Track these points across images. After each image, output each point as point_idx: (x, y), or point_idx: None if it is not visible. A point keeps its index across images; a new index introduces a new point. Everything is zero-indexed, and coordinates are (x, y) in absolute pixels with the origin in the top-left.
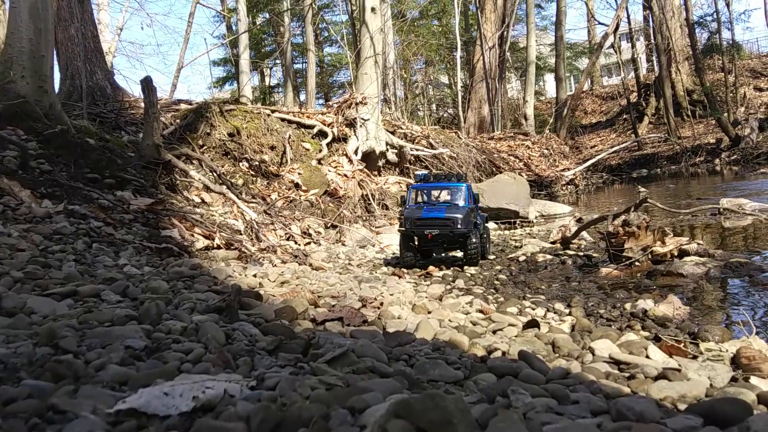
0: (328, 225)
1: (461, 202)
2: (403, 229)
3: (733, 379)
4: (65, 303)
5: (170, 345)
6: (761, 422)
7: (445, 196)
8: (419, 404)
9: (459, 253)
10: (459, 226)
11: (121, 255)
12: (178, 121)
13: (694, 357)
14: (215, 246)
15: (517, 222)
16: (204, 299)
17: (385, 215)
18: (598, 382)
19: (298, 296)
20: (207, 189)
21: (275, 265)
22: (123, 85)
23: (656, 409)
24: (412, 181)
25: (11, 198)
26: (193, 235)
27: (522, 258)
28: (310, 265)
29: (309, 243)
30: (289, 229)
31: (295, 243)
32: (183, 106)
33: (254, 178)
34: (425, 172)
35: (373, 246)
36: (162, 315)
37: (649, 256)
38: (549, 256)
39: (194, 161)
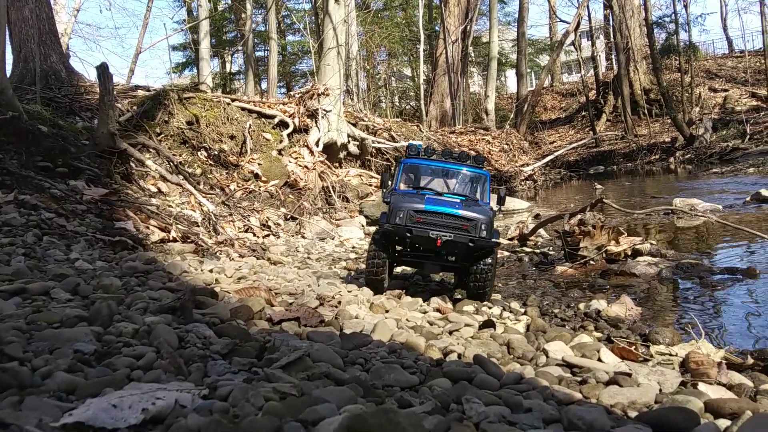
0: (288, 217)
1: (481, 198)
2: (389, 225)
3: (683, 384)
4: (13, 301)
5: (121, 349)
6: (707, 431)
7: (456, 184)
8: (373, 419)
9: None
10: (483, 233)
11: (72, 248)
12: (135, 107)
13: (645, 360)
14: (171, 239)
15: None
16: (158, 298)
17: (345, 208)
18: (550, 387)
19: (255, 294)
20: (164, 179)
21: (232, 259)
22: (79, 69)
23: (606, 417)
24: (374, 174)
25: None
26: (148, 227)
27: None
28: (269, 259)
29: (268, 235)
30: (248, 220)
31: (254, 235)
32: (141, 92)
33: (213, 168)
34: (420, 143)
35: (333, 239)
36: (113, 316)
37: (604, 255)
38: (506, 253)
39: (151, 150)
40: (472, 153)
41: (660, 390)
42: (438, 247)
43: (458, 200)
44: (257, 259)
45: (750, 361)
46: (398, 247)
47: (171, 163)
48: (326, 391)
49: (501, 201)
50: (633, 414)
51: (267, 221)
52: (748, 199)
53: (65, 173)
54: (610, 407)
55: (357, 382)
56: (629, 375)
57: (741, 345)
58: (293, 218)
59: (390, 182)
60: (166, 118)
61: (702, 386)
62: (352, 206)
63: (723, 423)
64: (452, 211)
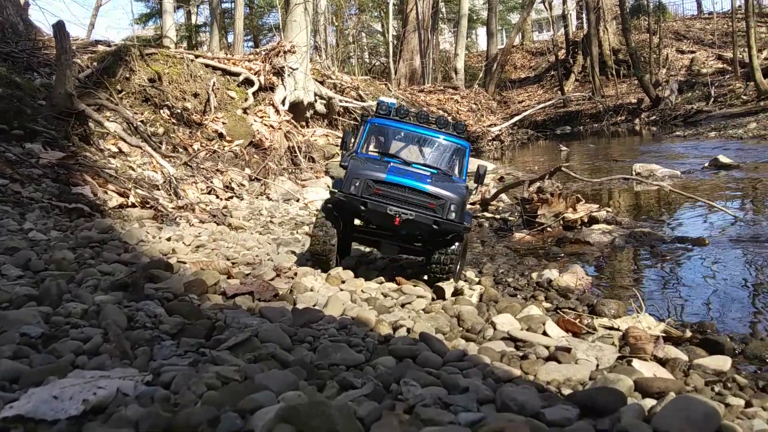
0: (252, 177)
1: (457, 174)
2: (342, 194)
3: (619, 359)
4: None
5: (68, 332)
6: (631, 412)
7: (430, 154)
8: (305, 410)
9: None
10: (452, 215)
11: (27, 217)
12: (95, 63)
13: (589, 332)
14: (130, 204)
15: None
16: (110, 272)
17: (311, 168)
18: (491, 364)
19: (212, 266)
20: (123, 141)
21: (192, 224)
22: (40, 20)
23: (537, 399)
24: (341, 135)
25: None
26: (106, 192)
27: None
28: (229, 225)
29: (231, 197)
30: (211, 182)
31: (217, 197)
32: (101, 47)
33: (176, 127)
34: (393, 101)
35: (298, 201)
36: (63, 295)
37: (561, 222)
38: None
39: (111, 111)
40: (451, 119)
41: (597, 365)
42: (396, 226)
43: (428, 173)
44: (218, 225)
45: (688, 334)
46: (356, 221)
47: (131, 126)
48: (269, 375)
49: (479, 179)
50: (567, 391)
51: (230, 183)
52: (706, 164)
53: (21, 136)
54: (546, 384)
55: (301, 364)
56: (568, 351)
57: (683, 316)
58: (258, 179)
59: (352, 143)
60: (128, 75)
61: (636, 363)
62: (318, 167)
63: (649, 402)
64: (418, 185)
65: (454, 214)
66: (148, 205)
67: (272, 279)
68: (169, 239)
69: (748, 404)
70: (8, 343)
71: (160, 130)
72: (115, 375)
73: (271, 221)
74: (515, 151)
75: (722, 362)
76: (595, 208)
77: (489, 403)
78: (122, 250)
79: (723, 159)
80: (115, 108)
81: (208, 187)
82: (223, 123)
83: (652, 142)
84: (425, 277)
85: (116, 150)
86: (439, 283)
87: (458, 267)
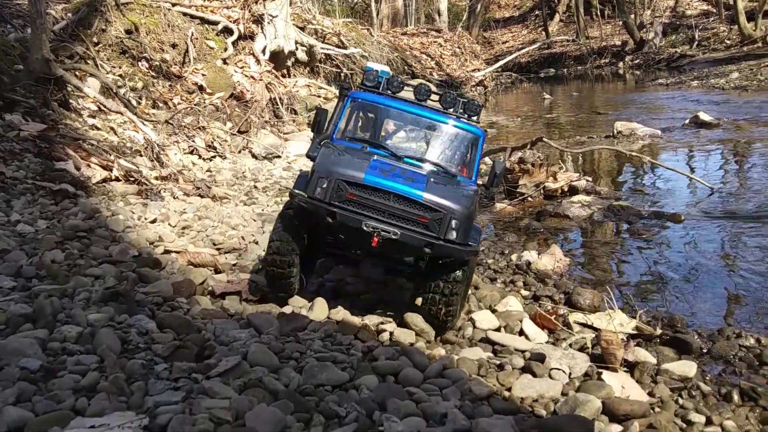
0: (235, 131)
1: (465, 173)
2: (303, 198)
3: (589, 372)
4: None
5: (65, 362)
6: None
7: (430, 143)
8: None
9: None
10: (452, 235)
11: (13, 205)
12: (69, 15)
13: (563, 330)
14: (114, 178)
15: None
16: (101, 275)
17: (293, 121)
18: (469, 379)
19: (199, 258)
20: (103, 107)
21: (176, 197)
22: None
23: (510, 429)
24: (323, 85)
25: None
26: (89, 166)
27: None
28: (213, 197)
29: (214, 156)
30: (193, 141)
31: (200, 157)
32: None
33: (155, 81)
34: (386, 69)
35: (280, 157)
36: (57, 315)
37: (542, 192)
38: None
39: (88, 76)
40: (465, 95)
41: (570, 375)
42: (374, 247)
43: (425, 172)
44: (201, 197)
45: (658, 331)
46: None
47: (111, 91)
48: (258, 415)
49: (494, 180)
50: (540, 409)
51: (213, 142)
52: (687, 122)
53: (0, 107)
54: (520, 401)
55: (288, 396)
56: (542, 360)
57: (656, 306)
58: (240, 132)
59: (326, 124)
60: (104, 27)
61: (606, 375)
62: (301, 119)
63: (615, 429)
64: (407, 191)
65: (455, 233)
66: (131, 179)
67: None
68: (154, 221)
69: (709, 421)
70: (8, 380)
71: (139, 85)
72: (114, 423)
73: (255, 186)
74: (499, 96)
75: (688, 368)
76: (575, 177)
77: None
78: (109, 240)
79: (703, 117)
80: (95, 73)
81: (190, 146)
82: (203, 75)
83: (635, 90)
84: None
85: (96, 109)
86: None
87: (460, 306)
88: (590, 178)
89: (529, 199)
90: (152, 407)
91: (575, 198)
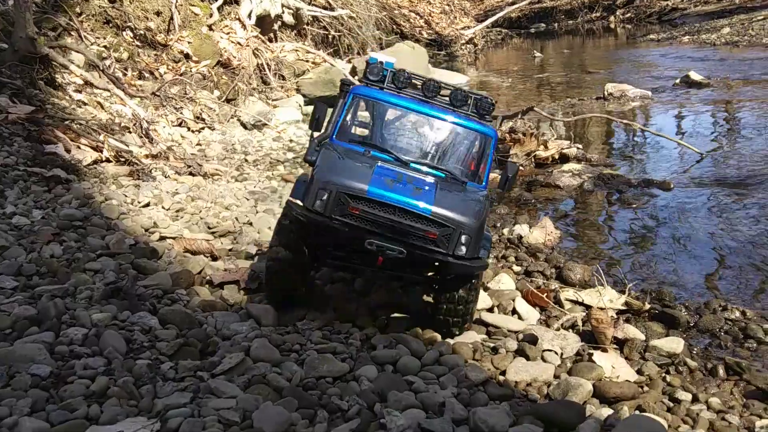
0: (223, 99)
1: (476, 178)
2: (302, 211)
3: (581, 351)
4: None
5: (74, 366)
6: (589, 429)
7: (437, 146)
8: None
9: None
10: (461, 250)
11: (6, 195)
12: None
13: (554, 308)
14: (104, 159)
15: None
16: (100, 269)
17: (282, 87)
18: (465, 366)
19: (194, 245)
20: (90, 85)
21: (168, 176)
22: None
23: (506, 418)
24: (311, 49)
25: None
26: (79, 147)
27: None
28: (205, 174)
29: (203, 128)
30: (181, 113)
31: (189, 129)
32: None
33: (140, 50)
34: (391, 60)
35: (268, 125)
36: (61, 316)
37: (533, 160)
38: None
39: (75, 51)
40: (477, 92)
41: (561, 355)
42: (379, 265)
43: (432, 180)
44: (193, 175)
45: (647, 306)
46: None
47: (98, 69)
48: (264, 413)
49: (506, 183)
50: (533, 393)
51: (201, 113)
52: (677, 81)
53: None
54: (515, 385)
55: (292, 393)
56: (535, 342)
57: (645, 278)
58: (228, 101)
59: (324, 122)
60: None
61: (597, 356)
62: (289, 84)
63: (606, 411)
64: (415, 206)
65: (465, 248)
66: (122, 159)
67: (255, 254)
68: (147, 205)
69: (695, 398)
70: (21, 389)
71: (125, 55)
72: (128, 430)
73: (245, 159)
74: (489, 54)
75: (675, 344)
76: (566, 145)
77: (463, 424)
78: (105, 228)
79: (694, 76)
80: (79, 50)
81: (178, 119)
82: (189, 42)
83: (626, 46)
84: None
85: (81, 83)
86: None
87: (471, 313)
88: (581, 146)
89: (520, 168)
90: (162, 410)
91: (566, 167)
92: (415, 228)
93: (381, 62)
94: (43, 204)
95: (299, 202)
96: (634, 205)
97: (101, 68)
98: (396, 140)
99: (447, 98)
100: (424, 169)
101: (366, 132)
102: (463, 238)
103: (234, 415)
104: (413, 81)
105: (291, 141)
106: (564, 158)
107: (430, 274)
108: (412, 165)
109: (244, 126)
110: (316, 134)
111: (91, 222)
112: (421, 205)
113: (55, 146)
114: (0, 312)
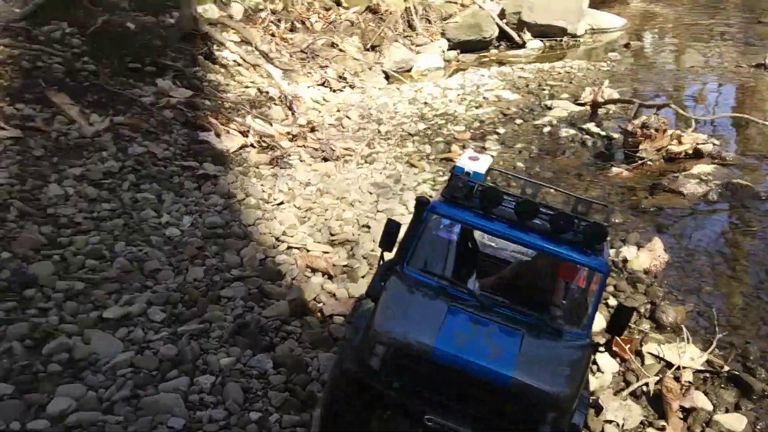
0: (367, 47)
1: (578, 324)
2: (354, 366)
3: (641, 424)
4: (120, 334)
5: (201, 420)
6: None
7: (531, 283)
8: None
9: None
10: (548, 429)
11: (164, 199)
12: None
13: (636, 356)
14: (249, 144)
15: (564, 41)
16: (232, 296)
17: (427, 30)
18: None
19: (314, 263)
20: (243, 60)
21: (303, 160)
22: None
23: None
24: None
25: (63, 117)
26: (228, 132)
27: (546, 129)
28: (336, 158)
29: (344, 87)
30: (325, 72)
31: (331, 89)
32: None
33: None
34: (481, 168)
35: (410, 72)
36: (196, 360)
37: (664, 154)
38: (572, 132)
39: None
40: (583, 217)
41: (622, 428)
42: None
43: (519, 330)
44: (325, 161)
45: (726, 368)
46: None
47: (250, 45)
48: None
49: (616, 327)
50: None
51: (344, 72)
52: None
53: (153, 72)
54: None
55: None
56: (599, 413)
57: (739, 324)
58: (373, 48)
59: (396, 246)
60: None
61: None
62: (434, 28)
63: None
64: (489, 372)
65: (550, 428)
66: (264, 145)
67: (365, 275)
68: (281, 203)
69: None
70: None
71: (279, 6)
72: None
73: (378, 130)
74: None
75: (738, 423)
76: (701, 140)
77: None
78: (241, 238)
79: None
80: (235, 26)
81: (322, 77)
82: None
83: None
84: None
85: (238, 39)
86: None
87: None
88: (718, 141)
89: (649, 163)
90: None
91: (695, 169)
92: (489, 399)
93: (468, 172)
94: (192, 208)
95: (352, 352)
96: (755, 229)
97: (255, 46)
98: (479, 273)
99: (550, 222)
100: (512, 313)
101: (443, 260)
102: (550, 416)
103: None
104: (505, 198)
105: (425, 104)
106: (698, 154)
107: None
108: (496, 308)
109: (386, 76)
110: (386, 255)
111: (230, 230)
112: (499, 370)
113: (208, 134)
114: (149, 350)
